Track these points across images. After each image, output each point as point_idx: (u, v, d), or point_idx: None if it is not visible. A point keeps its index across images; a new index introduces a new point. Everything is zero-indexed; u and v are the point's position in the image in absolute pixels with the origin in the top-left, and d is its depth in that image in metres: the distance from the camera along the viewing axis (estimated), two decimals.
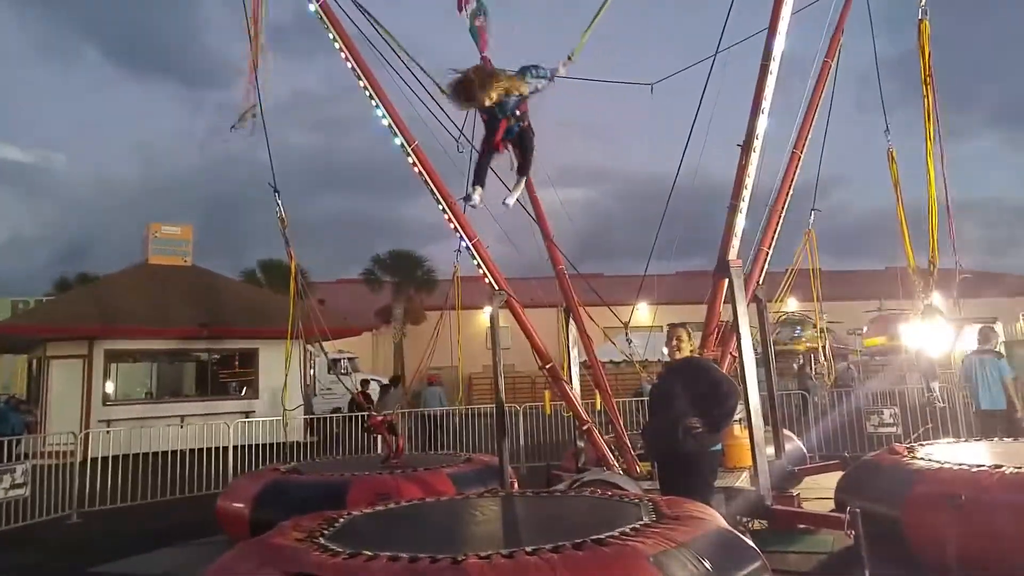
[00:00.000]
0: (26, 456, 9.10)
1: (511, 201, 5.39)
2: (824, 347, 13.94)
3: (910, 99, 6.30)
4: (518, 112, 4.97)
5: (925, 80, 6.32)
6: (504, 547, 3.03)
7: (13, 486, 8.18)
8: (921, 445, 6.51)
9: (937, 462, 5.33)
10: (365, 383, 20.54)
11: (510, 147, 5.16)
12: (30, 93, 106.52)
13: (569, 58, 5.58)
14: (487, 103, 4.78)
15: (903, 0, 6.37)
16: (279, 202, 7.74)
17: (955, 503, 4.55)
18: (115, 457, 10.18)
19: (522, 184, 5.42)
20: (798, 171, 7.34)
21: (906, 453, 5.93)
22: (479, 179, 5.10)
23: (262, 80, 7.13)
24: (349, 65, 6.56)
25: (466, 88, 4.80)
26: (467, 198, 5.29)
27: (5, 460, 8.46)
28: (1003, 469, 4.77)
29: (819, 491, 7.24)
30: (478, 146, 5.46)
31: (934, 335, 7.12)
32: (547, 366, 7.03)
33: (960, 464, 5.13)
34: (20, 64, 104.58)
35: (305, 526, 3.74)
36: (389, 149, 6.76)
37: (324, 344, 8.62)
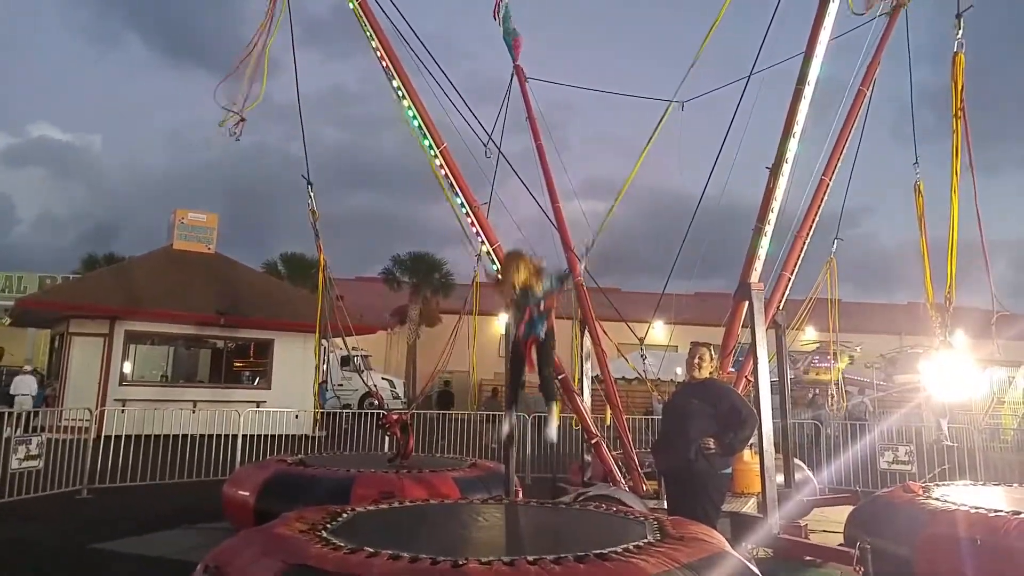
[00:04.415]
0: (42, 429, 9.22)
1: (552, 434, 4.88)
2: (835, 379, 13.77)
3: (947, 132, 6.22)
4: (543, 307, 4.71)
5: (956, 114, 6.25)
6: (506, 555, 3.01)
7: (28, 457, 8.30)
8: (937, 485, 6.38)
9: (953, 503, 5.21)
10: (447, 383, 20.42)
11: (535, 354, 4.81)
12: (73, 75, 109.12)
13: (587, 250, 5.85)
14: (515, 288, 4.63)
15: (949, 31, 6.30)
16: (311, 194, 7.72)
17: (970, 546, 4.44)
18: (128, 437, 10.29)
19: (555, 410, 4.88)
20: (826, 198, 7.27)
21: (921, 492, 5.81)
22: (513, 402, 4.88)
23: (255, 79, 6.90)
24: (383, 64, 6.62)
25: (504, 268, 4.81)
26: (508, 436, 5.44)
27: (22, 432, 8.58)
28: (1022, 515, 4.66)
29: (827, 524, 7.14)
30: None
31: (948, 373, 7.03)
32: (559, 376, 7.01)
33: (977, 507, 5.01)
34: (66, 46, 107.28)
35: (308, 518, 3.74)
36: (416, 151, 6.81)
37: (338, 341, 8.65)
